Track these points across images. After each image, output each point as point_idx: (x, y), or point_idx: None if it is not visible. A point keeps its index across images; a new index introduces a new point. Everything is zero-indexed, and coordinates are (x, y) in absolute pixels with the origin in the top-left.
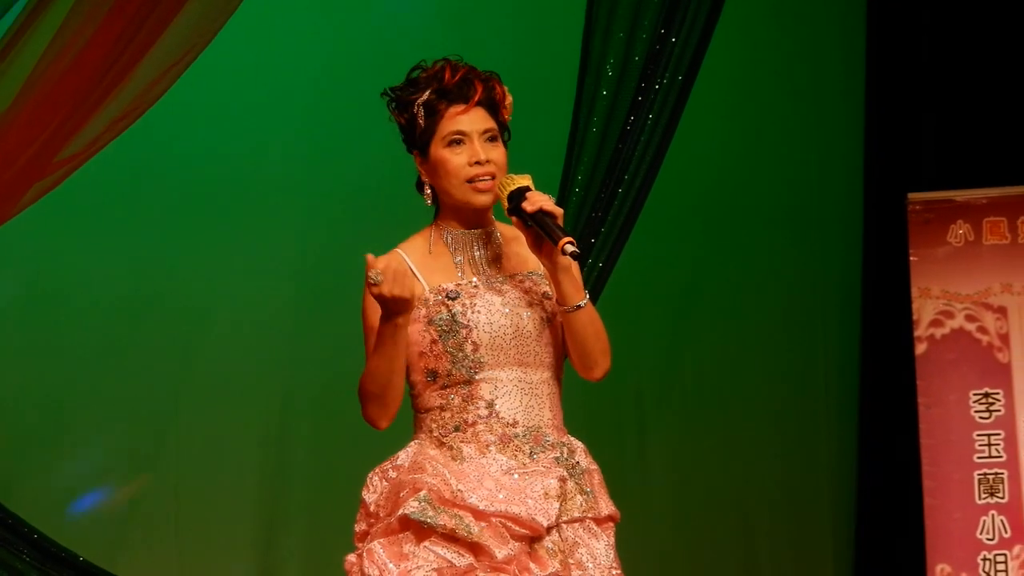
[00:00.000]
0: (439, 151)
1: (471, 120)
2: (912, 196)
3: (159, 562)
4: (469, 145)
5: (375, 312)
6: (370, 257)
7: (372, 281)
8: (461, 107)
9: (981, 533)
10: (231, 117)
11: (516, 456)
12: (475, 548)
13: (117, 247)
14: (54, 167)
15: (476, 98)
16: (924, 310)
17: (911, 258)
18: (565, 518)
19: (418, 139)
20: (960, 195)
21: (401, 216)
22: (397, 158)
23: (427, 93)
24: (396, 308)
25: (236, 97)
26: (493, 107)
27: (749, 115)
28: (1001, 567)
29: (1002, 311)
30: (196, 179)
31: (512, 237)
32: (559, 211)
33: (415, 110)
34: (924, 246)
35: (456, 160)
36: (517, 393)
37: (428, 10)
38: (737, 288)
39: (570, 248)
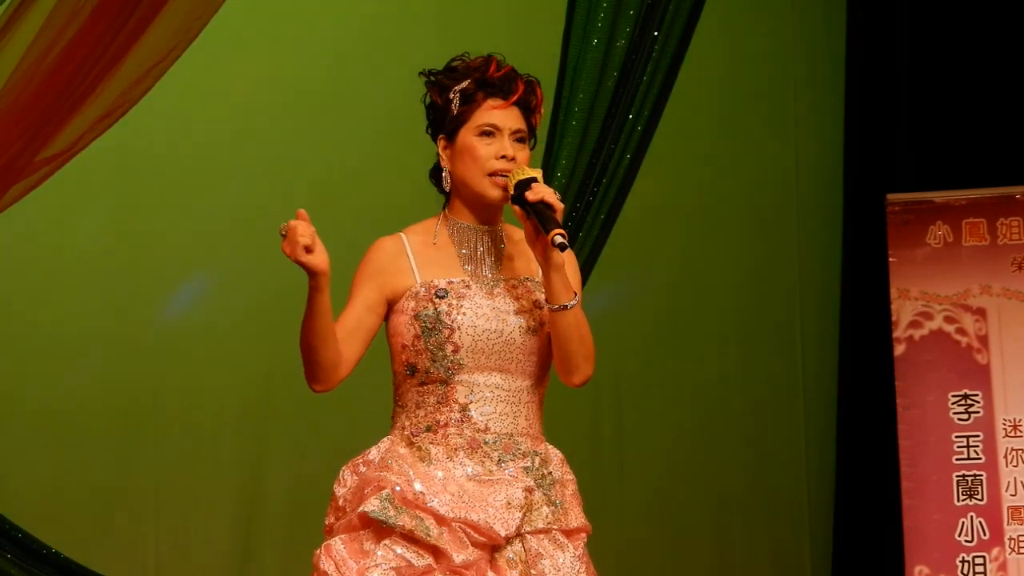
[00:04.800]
0: (469, 138)
1: (505, 116)
2: (891, 197)
3: (138, 559)
4: (499, 139)
5: (357, 282)
6: (300, 212)
7: (280, 234)
8: (499, 101)
9: (960, 535)
10: (209, 114)
11: (483, 463)
12: (434, 551)
13: (97, 248)
14: (36, 166)
15: (516, 96)
16: (903, 311)
17: (890, 259)
18: (529, 528)
19: (448, 123)
20: (939, 196)
21: (378, 211)
22: (377, 154)
23: (467, 82)
24: (304, 269)
25: (217, 91)
26: (528, 110)
27: (728, 116)
28: (980, 569)
29: (981, 312)
30: (176, 178)
31: (519, 240)
32: (560, 206)
33: (451, 95)
34: (903, 247)
35: (484, 150)
36: (493, 399)
37: (411, 7)
38: (716, 289)
39: (559, 239)
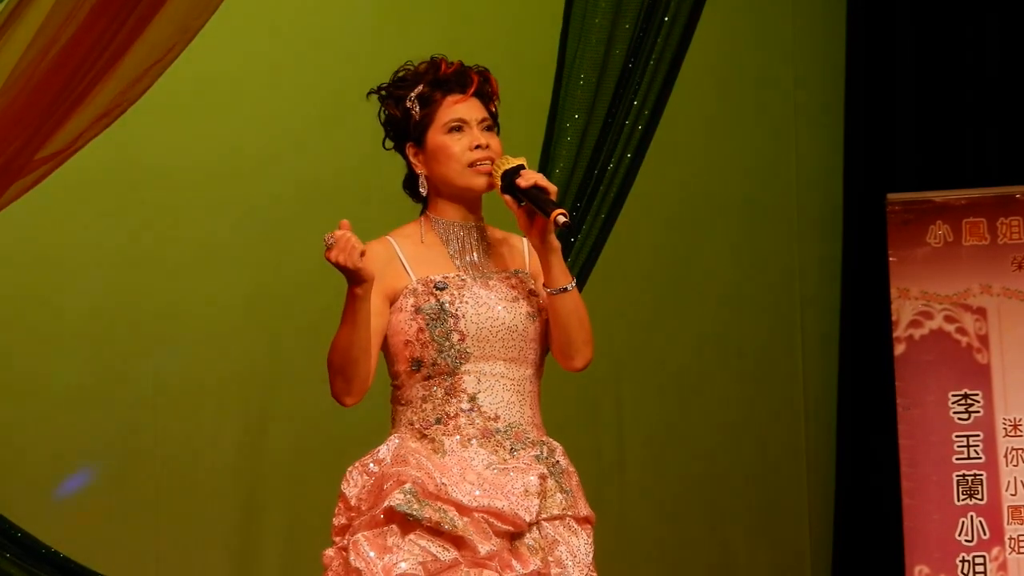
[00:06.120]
0: (439, 138)
1: (469, 109)
2: (891, 197)
3: (138, 559)
4: (468, 131)
5: None
6: (344, 222)
7: (325, 244)
8: (459, 96)
9: (960, 534)
10: (207, 119)
11: (497, 451)
12: (459, 542)
13: (95, 244)
14: (35, 164)
15: (473, 88)
16: (903, 311)
17: (890, 259)
18: (545, 515)
19: (413, 129)
20: (939, 196)
21: (378, 210)
22: (376, 152)
23: (421, 86)
24: (349, 277)
25: (211, 95)
26: (486, 99)
27: (728, 115)
28: (980, 569)
29: (981, 312)
30: (172, 176)
31: (502, 239)
32: (553, 187)
33: (408, 103)
34: (903, 247)
35: (458, 145)
36: (500, 388)
37: (409, 9)
38: (716, 288)
39: (562, 219)
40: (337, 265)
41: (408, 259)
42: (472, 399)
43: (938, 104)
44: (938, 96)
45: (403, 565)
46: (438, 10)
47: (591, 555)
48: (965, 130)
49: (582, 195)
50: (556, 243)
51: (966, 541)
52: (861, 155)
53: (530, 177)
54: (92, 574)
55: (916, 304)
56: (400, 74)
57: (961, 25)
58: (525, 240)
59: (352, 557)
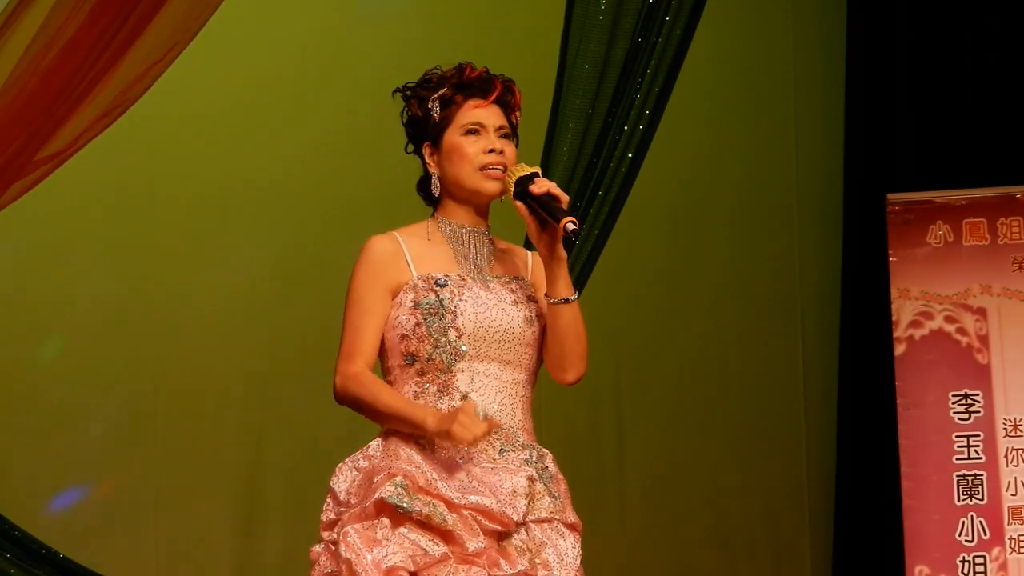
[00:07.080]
0: (455, 138)
1: (488, 114)
2: (891, 197)
3: (139, 558)
4: (485, 135)
5: (365, 286)
6: (492, 418)
7: (464, 409)
8: (480, 101)
9: (960, 535)
10: (211, 115)
11: (486, 451)
12: (448, 537)
13: (96, 246)
14: (35, 165)
15: (495, 95)
16: (903, 311)
17: (890, 259)
18: (533, 518)
19: (432, 129)
20: (940, 196)
21: (376, 212)
22: (379, 155)
23: (445, 88)
24: (440, 431)
25: (216, 94)
26: (507, 108)
27: (728, 115)
28: (980, 569)
29: (981, 312)
30: (176, 177)
31: (506, 248)
32: (565, 197)
33: (430, 104)
34: (903, 247)
35: (472, 147)
36: (493, 389)
37: (405, 9)
38: (716, 289)
39: (571, 226)
40: (448, 426)
41: (412, 256)
42: (464, 397)
43: (938, 104)
44: (938, 96)
45: (393, 558)
46: (438, 10)
47: (578, 559)
48: (965, 130)
49: (582, 195)
50: (563, 253)
51: (966, 541)
52: (861, 155)
53: (543, 184)
54: (92, 574)
55: (916, 304)
56: (426, 76)
57: (960, 25)
58: (530, 253)
59: (342, 548)
